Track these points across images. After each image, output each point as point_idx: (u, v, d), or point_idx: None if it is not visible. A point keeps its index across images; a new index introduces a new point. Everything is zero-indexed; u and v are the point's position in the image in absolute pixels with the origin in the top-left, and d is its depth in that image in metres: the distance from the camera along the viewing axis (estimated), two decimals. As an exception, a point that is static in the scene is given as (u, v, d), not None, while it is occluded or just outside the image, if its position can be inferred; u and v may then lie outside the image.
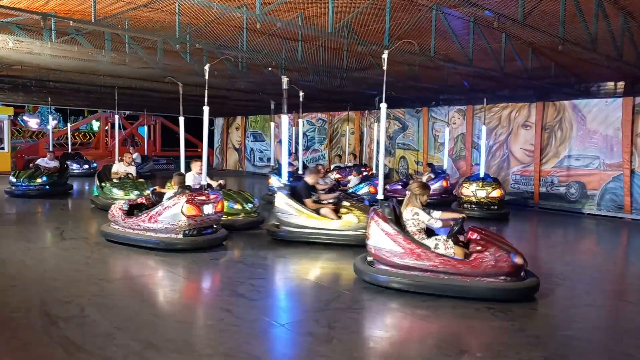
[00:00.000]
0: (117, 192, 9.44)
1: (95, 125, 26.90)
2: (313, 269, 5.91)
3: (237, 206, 7.83)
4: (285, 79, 7.97)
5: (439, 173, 12.05)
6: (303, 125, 17.48)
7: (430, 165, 13.11)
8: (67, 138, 19.48)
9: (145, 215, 6.41)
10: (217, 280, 5.38)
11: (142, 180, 10.16)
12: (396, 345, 3.68)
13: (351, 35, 6.28)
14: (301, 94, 9.70)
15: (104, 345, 3.39)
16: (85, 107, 22.72)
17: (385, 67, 5.33)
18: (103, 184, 9.87)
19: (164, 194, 6.92)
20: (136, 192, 9.25)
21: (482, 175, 10.24)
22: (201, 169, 7.53)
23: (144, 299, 4.46)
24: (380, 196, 5.57)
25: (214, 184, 7.84)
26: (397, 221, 4.93)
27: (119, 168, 10.13)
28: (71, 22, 5.52)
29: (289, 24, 5.77)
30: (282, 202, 6.98)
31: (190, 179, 7.60)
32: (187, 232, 6.26)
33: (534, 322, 4.18)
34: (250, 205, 8.03)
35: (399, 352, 3.55)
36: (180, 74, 9.56)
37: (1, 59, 8.79)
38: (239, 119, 22.05)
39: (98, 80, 11.26)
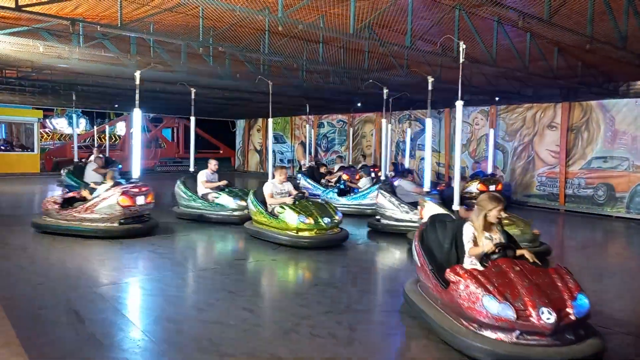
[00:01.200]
0: (235, 202, 8.39)
1: (119, 127, 27.44)
2: (336, 271, 5.89)
3: (310, 220, 6.64)
4: (431, 79, 7.42)
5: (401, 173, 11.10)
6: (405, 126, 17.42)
7: (394, 164, 12.81)
8: (93, 140, 19.95)
9: (82, 207, 7.08)
10: (239, 281, 5.42)
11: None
12: (415, 350, 3.65)
13: (372, 37, 6.26)
14: (385, 90, 9.40)
15: (128, 343, 3.45)
16: (111, 109, 23.22)
17: (461, 60, 4.94)
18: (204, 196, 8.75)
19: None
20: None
21: (489, 172, 12.06)
22: (285, 178, 7.44)
23: (166, 297, 4.53)
24: (455, 207, 4.96)
25: (294, 192, 7.30)
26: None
27: (209, 176, 8.83)
28: (99, 27, 5.66)
29: (311, 26, 5.79)
30: (433, 210, 6.48)
31: (269, 188, 7.25)
32: (122, 220, 7.01)
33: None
34: (327, 219, 6.76)
35: (419, 356, 3.51)
36: (203, 76, 9.70)
37: (32, 64, 9.08)
38: (260, 120, 22.21)
39: (124, 84, 11.50)
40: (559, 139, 11.64)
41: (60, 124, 25.89)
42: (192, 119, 10.24)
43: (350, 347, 3.51)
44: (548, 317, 3.05)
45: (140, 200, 7.21)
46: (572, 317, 3.10)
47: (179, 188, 8.94)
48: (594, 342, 3.15)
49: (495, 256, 3.56)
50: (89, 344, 3.44)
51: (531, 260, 3.58)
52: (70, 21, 5.45)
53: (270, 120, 8.43)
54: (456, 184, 5.21)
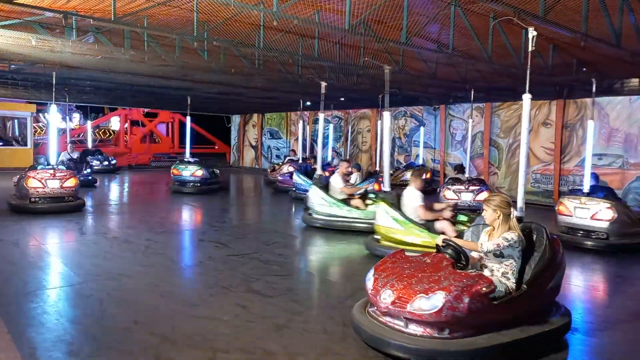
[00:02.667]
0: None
1: (113, 122, 27.30)
2: (330, 266, 5.90)
3: None
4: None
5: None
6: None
7: (293, 151, 13.74)
8: (87, 135, 19.84)
9: (15, 185, 8.93)
10: (232, 277, 5.41)
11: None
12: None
13: (368, 32, 6.24)
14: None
15: (123, 339, 3.44)
16: (105, 104, 23.10)
17: (530, 48, 4.34)
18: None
19: None
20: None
21: (420, 162, 13.37)
22: (422, 184, 6.10)
23: (161, 293, 4.52)
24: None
25: (445, 208, 5.86)
26: None
27: (342, 181, 8.04)
28: (91, 20, 5.61)
29: (306, 22, 5.76)
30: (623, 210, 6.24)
31: (420, 199, 5.89)
32: (32, 199, 8.31)
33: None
34: None
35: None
36: (198, 71, 9.64)
37: (24, 57, 8.99)
38: (255, 116, 22.14)
39: (117, 78, 11.42)
40: (554, 136, 11.68)
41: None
42: (321, 115, 8.84)
43: (343, 342, 3.52)
44: (385, 298, 3.26)
45: (53, 184, 8.40)
46: (406, 309, 3.14)
47: (315, 192, 7.93)
48: (410, 334, 3.15)
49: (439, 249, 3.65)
50: (81, 337, 3.42)
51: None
52: (63, 14, 5.40)
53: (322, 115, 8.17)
54: (520, 186, 4.23)
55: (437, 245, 3.68)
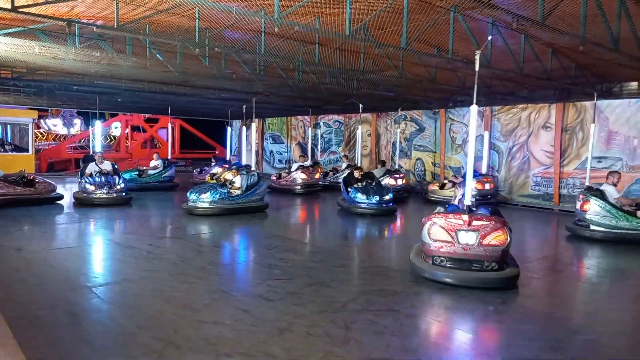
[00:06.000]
0: None
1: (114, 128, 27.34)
2: (334, 270, 5.92)
3: None
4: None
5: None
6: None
7: (235, 156, 15.08)
8: (88, 140, 19.92)
9: None
10: (234, 281, 5.44)
11: None
12: (413, 349, 3.68)
13: (368, 38, 6.29)
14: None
15: (126, 343, 3.47)
16: (106, 110, 23.18)
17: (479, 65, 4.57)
18: None
19: None
20: None
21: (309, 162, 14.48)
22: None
23: (165, 298, 4.54)
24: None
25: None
26: None
27: (616, 192, 8.09)
28: (95, 28, 5.67)
29: (307, 28, 5.81)
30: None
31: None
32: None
33: (553, 325, 4.12)
34: None
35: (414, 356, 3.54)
36: (200, 77, 9.71)
37: (27, 64, 9.06)
38: (255, 121, 22.22)
39: (119, 84, 11.49)
40: (554, 139, 11.72)
41: (55, 124, 25.79)
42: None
43: (345, 345, 3.54)
44: None
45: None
46: None
47: (598, 204, 7.76)
48: None
49: None
50: (87, 345, 3.45)
51: None
52: (66, 22, 5.46)
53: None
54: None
55: None
